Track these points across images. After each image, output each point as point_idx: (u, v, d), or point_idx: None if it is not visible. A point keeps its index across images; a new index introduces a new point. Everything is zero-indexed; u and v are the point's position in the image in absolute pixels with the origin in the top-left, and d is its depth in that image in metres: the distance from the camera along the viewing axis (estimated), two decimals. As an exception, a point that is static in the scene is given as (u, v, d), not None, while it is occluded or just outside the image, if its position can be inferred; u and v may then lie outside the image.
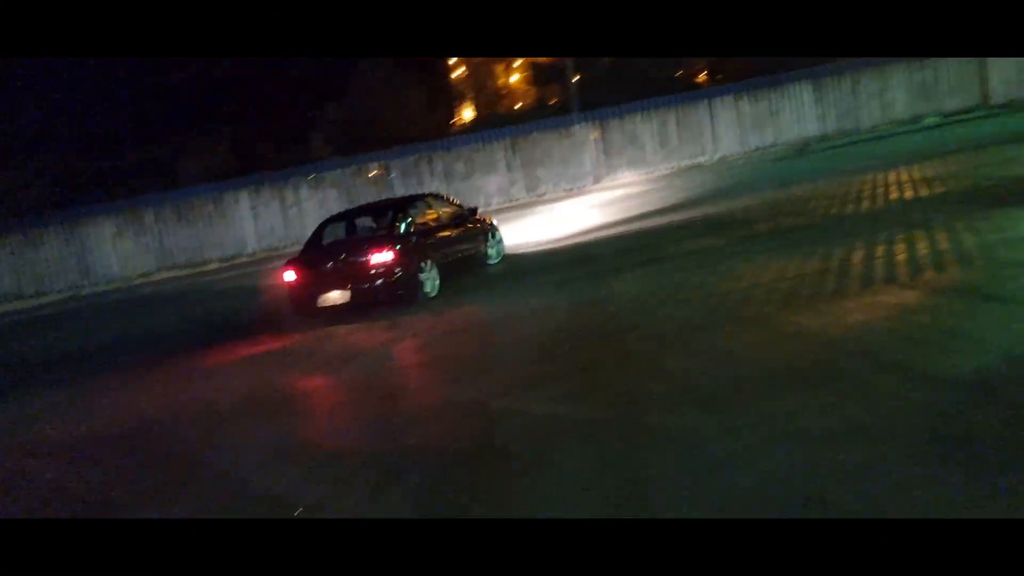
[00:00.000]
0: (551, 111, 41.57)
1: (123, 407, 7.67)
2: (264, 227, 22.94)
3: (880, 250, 8.01)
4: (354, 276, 9.75)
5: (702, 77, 52.08)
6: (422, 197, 12.01)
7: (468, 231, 11.85)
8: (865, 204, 11.35)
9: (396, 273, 9.75)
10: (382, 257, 9.73)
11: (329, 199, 22.87)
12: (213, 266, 22.88)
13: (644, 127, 24.13)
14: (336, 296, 9.76)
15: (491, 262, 12.24)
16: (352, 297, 9.72)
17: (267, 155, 35.44)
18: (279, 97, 39.85)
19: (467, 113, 57.12)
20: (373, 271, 9.74)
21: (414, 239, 10.34)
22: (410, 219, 10.75)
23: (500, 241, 12.63)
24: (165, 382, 8.53)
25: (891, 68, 24.57)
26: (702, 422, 4.48)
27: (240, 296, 15.55)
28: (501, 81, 60.66)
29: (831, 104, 24.41)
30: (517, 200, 23.94)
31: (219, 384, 7.99)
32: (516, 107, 54.09)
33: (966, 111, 24.26)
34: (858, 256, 7.95)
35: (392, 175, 23.33)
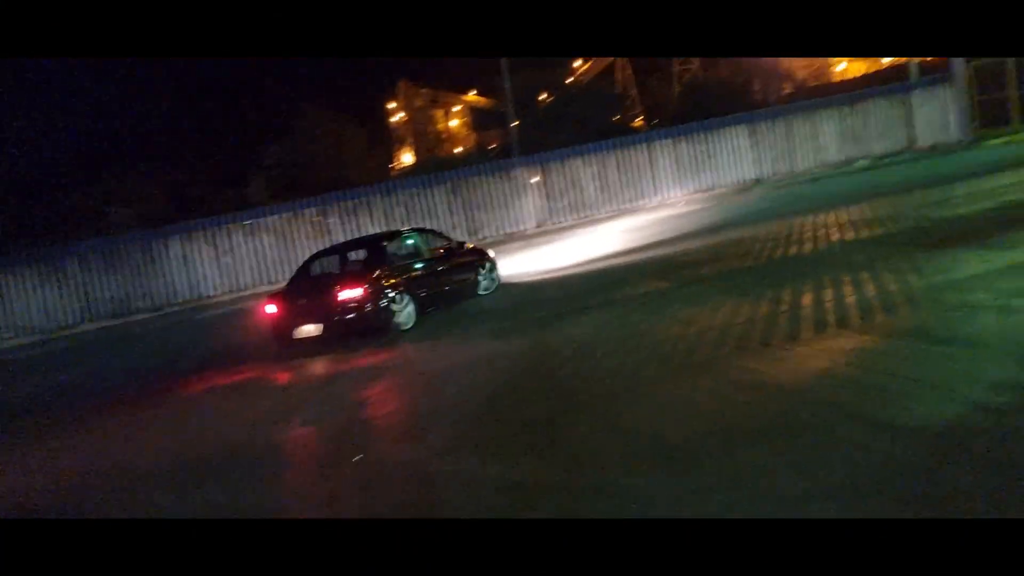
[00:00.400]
0: (492, 155, 41.79)
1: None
2: (196, 275, 22.14)
3: (828, 293, 7.95)
4: (326, 310, 10.27)
5: (639, 121, 53.23)
6: (405, 232, 12.52)
7: (456, 264, 12.25)
8: (808, 246, 11.41)
9: (366, 307, 10.21)
10: (351, 293, 10.20)
11: (264, 245, 22.26)
12: (142, 316, 21.95)
13: (585, 170, 24.25)
14: (311, 329, 10.30)
15: (483, 292, 12.64)
16: (324, 330, 10.25)
17: (205, 198, 34.54)
18: (219, 139, 39.17)
19: (407, 157, 57.02)
20: (342, 306, 10.19)
21: (387, 274, 10.75)
22: (385, 254, 11.33)
23: (492, 272, 13.02)
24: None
25: (823, 113, 25.33)
26: (665, 485, 4.20)
27: (164, 348, 14.84)
28: (441, 125, 60.90)
29: (766, 148, 24.97)
30: (459, 244, 23.69)
31: (154, 436, 7.41)
32: (456, 151, 54.27)
33: (894, 154, 25.10)
34: (807, 299, 7.87)
35: (330, 219, 22.87)
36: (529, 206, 24.12)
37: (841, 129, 25.38)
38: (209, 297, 22.07)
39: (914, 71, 26.73)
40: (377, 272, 10.68)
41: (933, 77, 25.87)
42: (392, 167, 54.59)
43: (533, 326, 9.44)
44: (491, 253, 13.45)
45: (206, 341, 14.72)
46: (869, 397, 4.91)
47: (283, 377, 9.55)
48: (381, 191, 23.69)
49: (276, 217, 22.88)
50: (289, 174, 38.29)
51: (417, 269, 11.36)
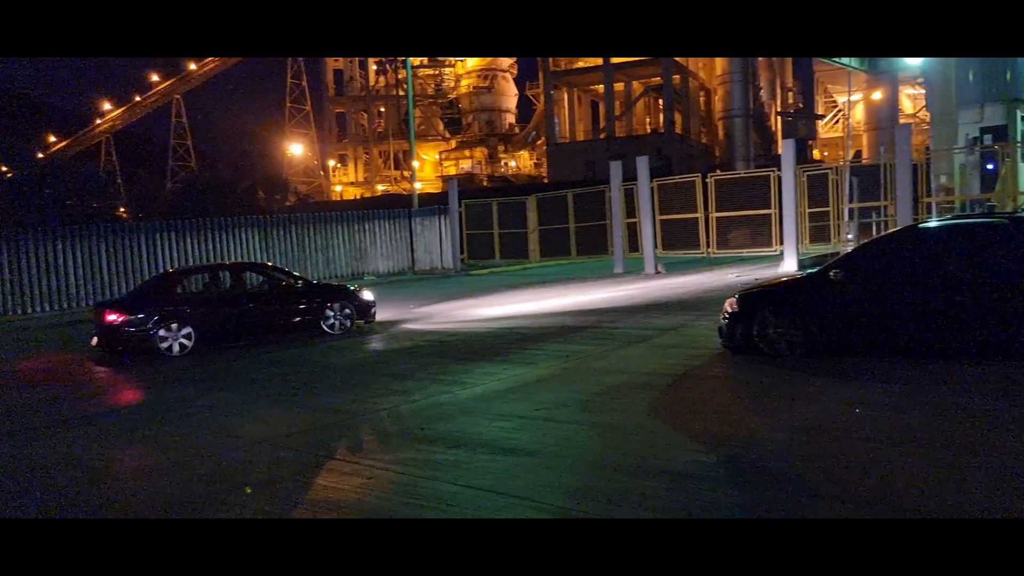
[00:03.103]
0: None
1: None
2: None
3: (384, 401, 7.88)
4: (102, 328, 12.24)
5: (122, 211, 49.29)
6: (212, 266, 14.57)
7: (286, 303, 13.35)
8: (349, 355, 11.39)
9: (127, 331, 11.98)
10: (112, 316, 12.11)
11: None
12: None
13: (68, 255, 21.23)
14: (95, 341, 12.43)
15: (333, 332, 13.33)
16: (99, 343, 12.33)
17: None
18: None
19: None
20: (109, 326, 12.08)
21: (159, 305, 12.26)
22: (166, 286, 13.16)
23: (343, 315, 13.53)
24: None
25: (335, 227, 26.48)
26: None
27: None
28: None
29: (279, 252, 25.01)
30: None
31: None
32: None
33: (397, 274, 27.28)
34: (359, 407, 7.68)
35: None
36: None
37: (351, 244, 26.77)
38: None
39: (416, 201, 29.78)
40: (146, 302, 12.43)
41: (432, 208, 29.12)
42: None
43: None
44: (364, 295, 14.06)
45: None
46: (456, 513, 4.78)
47: None
48: None
49: None
50: None
51: (208, 303, 12.75)
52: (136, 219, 42.94)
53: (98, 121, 74.29)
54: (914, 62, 25.27)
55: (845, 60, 30.95)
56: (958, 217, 13.46)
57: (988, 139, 22.36)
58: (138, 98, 73.40)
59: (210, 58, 70.85)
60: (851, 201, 19.46)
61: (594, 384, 8.13)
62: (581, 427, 6.63)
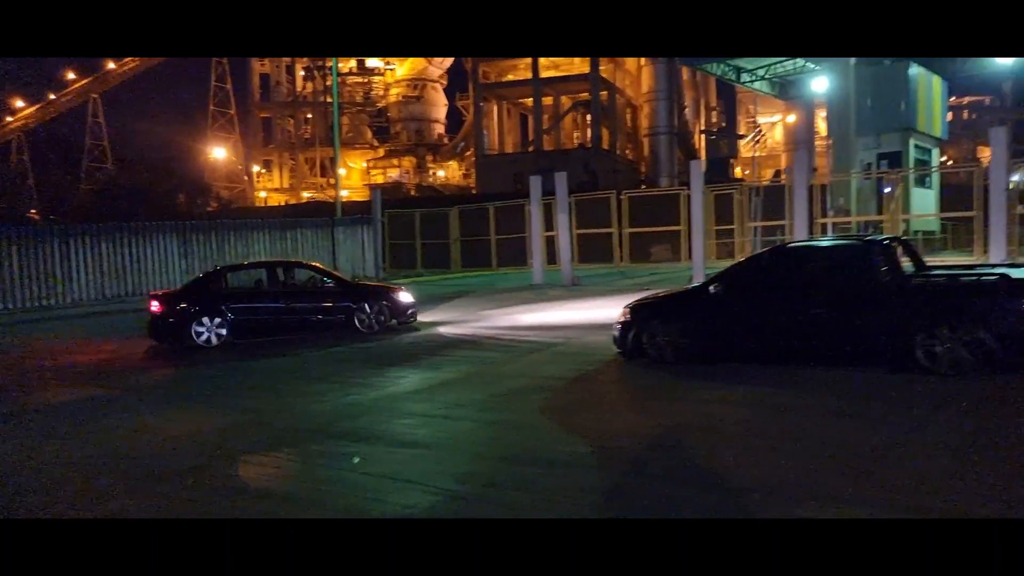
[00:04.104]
0: None
1: None
2: None
3: (308, 400, 8.48)
4: (149, 314, 13.64)
5: (33, 213, 48.04)
6: (251, 264, 16.30)
7: (321, 301, 14.11)
8: (276, 359, 11.89)
9: (168, 320, 13.41)
10: (153, 306, 13.59)
11: None
12: None
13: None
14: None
15: (364, 331, 13.82)
16: (147, 326, 13.71)
17: None
18: None
19: None
20: (153, 315, 13.53)
21: (198, 297, 13.59)
22: (210, 280, 14.28)
23: (376, 315, 14.00)
24: None
25: (256, 234, 26.68)
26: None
27: None
28: None
29: (199, 259, 25.08)
30: None
31: None
32: None
33: (319, 282, 27.59)
34: (279, 409, 8.26)
35: None
36: None
37: (273, 251, 27.00)
38: None
39: (339, 209, 30.19)
40: (186, 293, 13.93)
41: (356, 217, 29.57)
42: None
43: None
44: (400, 296, 14.49)
45: None
46: (356, 496, 5.46)
47: None
48: None
49: None
50: None
51: (243, 299, 13.76)
52: (48, 222, 41.97)
53: (9, 119, 72.04)
54: (819, 89, 26.99)
55: (758, 85, 32.69)
56: (838, 236, 14.70)
57: (884, 164, 24.10)
58: (53, 96, 71.50)
59: (129, 56, 69.60)
60: (755, 220, 20.80)
61: (495, 387, 8.88)
62: (476, 424, 7.37)
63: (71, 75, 71.26)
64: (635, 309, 9.99)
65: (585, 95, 55.03)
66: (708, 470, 5.60)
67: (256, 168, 72.10)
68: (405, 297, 14.58)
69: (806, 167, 18.25)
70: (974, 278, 8.54)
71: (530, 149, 56.14)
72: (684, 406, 7.58)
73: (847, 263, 8.94)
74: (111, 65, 70.35)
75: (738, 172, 60.30)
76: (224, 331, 13.31)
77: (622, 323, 9.97)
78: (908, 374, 7.99)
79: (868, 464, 5.45)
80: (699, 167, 20.28)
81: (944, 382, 7.65)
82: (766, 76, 32.23)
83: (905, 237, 12.00)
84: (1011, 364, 7.76)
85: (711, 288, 9.43)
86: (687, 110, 61.24)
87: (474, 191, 55.55)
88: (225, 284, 14.09)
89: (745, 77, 32.01)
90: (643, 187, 45.00)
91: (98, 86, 71.55)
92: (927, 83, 26.36)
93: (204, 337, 13.20)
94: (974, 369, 7.79)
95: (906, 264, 9.63)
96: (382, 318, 14.09)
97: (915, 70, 25.36)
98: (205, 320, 13.24)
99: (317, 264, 16.86)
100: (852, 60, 25.36)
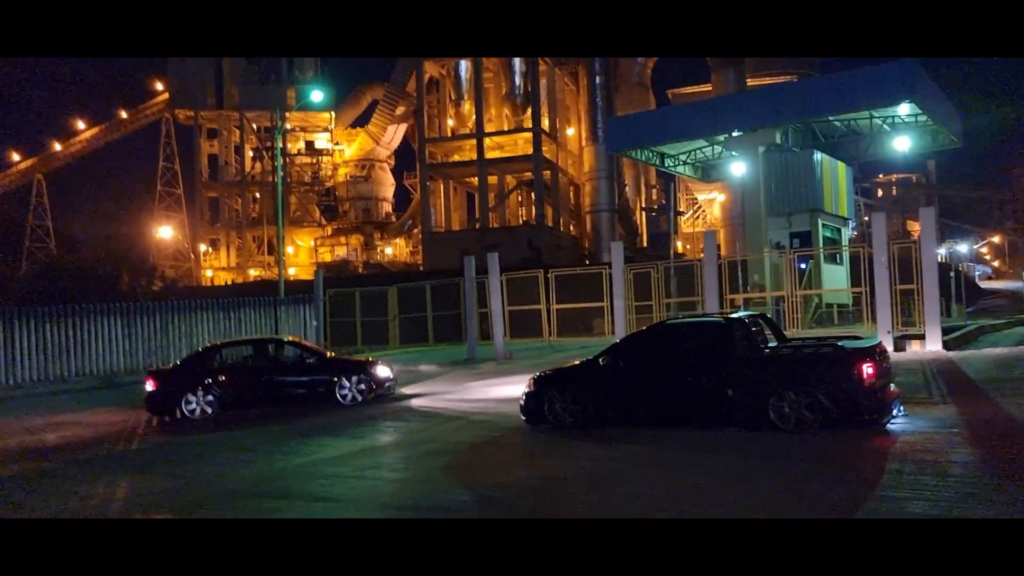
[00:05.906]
0: None
1: None
2: None
3: (244, 469, 9.59)
4: (146, 389, 15.04)
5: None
6: (235, 342, 17.38)
7: (302, 375, 15.30)
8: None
9: (159, 394, 14.78)
10: (148, 385, 14.94)
11: None
12: None
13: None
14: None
15: (346, 402, 14.90)
16: (144, 403, 15.08)
17: None
18: None
19: None
20: (147, 392, 14.90)
21: (186, 374, 14.93)
22: (204, 357, 15.61)
23: (357, 388, 15.03)
24: None
25: (200, 315, 27.62)
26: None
27: None
28: None
29: (142, 340, 25.86)
30: None
31: None
32: None
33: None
34: (218, 475, 9.36)
35: None
36: None
37: (217, 331, 27.91)
38: None
39: (282, 289, 31.34)
40: (179, 370, 15.31)
41: (298, 296, 30.69)
42: None
43: None
44: (378, 370, 15.41)
45: None
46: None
47: None
48: None
49: None
50: None
51: (227, 374, 14.98)
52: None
53: (-52, 198, 72.03)
54: (737, 173, 29.29)
55: (681, 169, 35.11)
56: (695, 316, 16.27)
57: (796, 243, 26.22)
58: (-6, 177, 71.87)
59: (75, 138, 70.66)
60: (669, 296, 22.55)
61: (407, 452, 10.12)
62: (382, 482, 8.62)
63: (15, 156, 71.79)
64: (538, 380, 11.35)
65: (529, 174, 57.39)
66: (567, 509, 6.91)
67: (203, 247, 72.80)
68: (383, 371, 15.58)
69: (714, 247, 20.13)
70: (812, 349, 10.13)
71: (476, 227, 58.06)
72: (566, 462, 8.91)
73: (712, 338, 10.48)
74: (57, 147, 71.17)
75: (680, 247, 62.95)
76: (212, 404, 14.53)
77: (527, 393, 11.32)
78: (762, 432, 9.46)
79: (670, 504, 6.83)
80: (619, 248, 22.08)
81: (788, 438, 9.14)
82: (688, 161, 34.62)
83: (767, 314, 13.65)
84: (844, 421, 9.29)
85: (600, 360, 10.87)
86: (628, 188, 64.07)
87: (421, 268, 56.99)
88: (220, 359, 15.40)
89: (669, 162, 34.33)
90: (587, 262, 46.97)
91: (42, 166, 72.15)
92: (831, 168, 28.87)
93: (192, 409, 14.46)
94: (815, 425, 9.30)
95: (770, 337, 11.22)
96: (362, 388, 15.11)
97: (819, 156, 27.85)
98: (190, 395, 14.50)
99: (301, 340, 18.22)
100: (761, 148, 27.78)
